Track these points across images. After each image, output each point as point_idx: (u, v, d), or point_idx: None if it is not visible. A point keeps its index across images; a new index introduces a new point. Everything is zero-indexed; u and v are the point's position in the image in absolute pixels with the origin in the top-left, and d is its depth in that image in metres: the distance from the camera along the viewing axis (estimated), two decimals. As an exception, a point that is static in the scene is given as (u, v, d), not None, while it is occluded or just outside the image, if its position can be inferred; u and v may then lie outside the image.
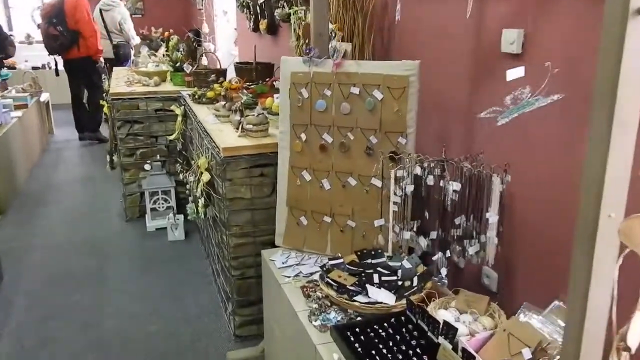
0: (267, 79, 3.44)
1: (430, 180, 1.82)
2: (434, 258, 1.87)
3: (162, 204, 4.00)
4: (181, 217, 3.90)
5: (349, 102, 2.12)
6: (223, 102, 2.96)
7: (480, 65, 1.93)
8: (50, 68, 9.28)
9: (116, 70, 5.37)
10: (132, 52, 7.50)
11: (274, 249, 2.31)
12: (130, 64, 7.78)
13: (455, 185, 1.75)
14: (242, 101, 2.97)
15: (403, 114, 2.04)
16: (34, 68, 8.80)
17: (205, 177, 2.57)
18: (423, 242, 1.87)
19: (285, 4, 4.31)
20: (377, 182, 2.11)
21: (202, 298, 3.11)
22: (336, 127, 2.16)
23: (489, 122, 1.87)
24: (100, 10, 6.96)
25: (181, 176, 3.85)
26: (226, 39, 7.77)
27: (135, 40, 7.22)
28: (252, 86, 3.43)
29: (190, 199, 3.31)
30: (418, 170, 1.84)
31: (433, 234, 1.86)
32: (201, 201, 2.64)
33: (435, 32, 2.17)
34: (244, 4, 5.52)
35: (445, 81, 2.13)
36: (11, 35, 7.36)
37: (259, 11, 5.08)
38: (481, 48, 1.91)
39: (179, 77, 4.22)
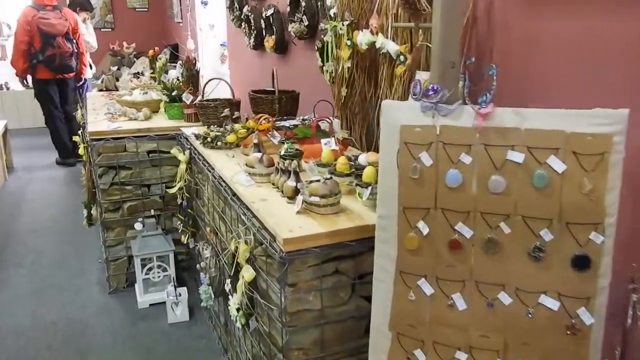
0: (305, 120, 2.63)
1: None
2: None
3: (158, 273, 3.10)
4: (184, 290, 3.02)
5: (503, 175, 1.32)
6: (256, 154, 2.12)
7: None
8: (8, 89, 8.25)
9: (90, 95, 4.44)
10: (87, 71, 6.57)
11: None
12: (88, 88, 6.86)
13: None
14: (282, 152, 2.14)
15: (599, 195, 1.25)
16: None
17: (249, 273, 1.72)
18: None
19: (304, 17, 3.51)
20: (552, 303, 1.31)
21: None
22: (479, 214, 1.36)
23: None
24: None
25: (183, 238, 2.98)
26: (211, 55, 6.92)
27: (93, 46, 6.87)
28: (284, 125, 2.60)
29: (205, 279, 2.44)
30: None
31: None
32: (240, 310, 1.78)
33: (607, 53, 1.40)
34: (242, 17, 4.69)
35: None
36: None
37: (263, 26, 4.26)
38: None
39: (176, 108, 3.35)
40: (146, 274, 3.09)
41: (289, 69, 4.15)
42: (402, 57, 2.25)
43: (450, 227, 1.38)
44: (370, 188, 1.71)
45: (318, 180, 1.74)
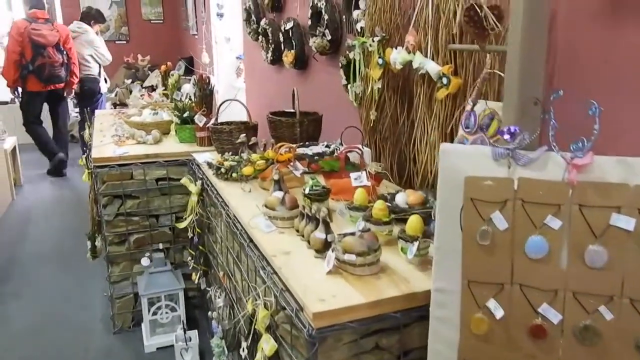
0: (330, 146, 2.33)
1: None
2: None
3: (167, 313, 2.81)
4: (194, 334, 2.72)
5: (604, 245, 1.01)
6: (276, 193, 1.82)
7: None
8: (16, 101, 8.10)
9: (99, 114, 4.18)
10: (102, 86, 6.47)
11: None
12: (102, 103, 6.66)
13: None
14: (307, 190, 1.85)
15: None
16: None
17: (269, 346, 1.42)
18: None
19: (326, 32, 3.22)
20: (671, 415, 0.99)
21: None
22: (571, 294, 1.04)
23: None
24: None
25: (194, 276, 2.69)
26: (227, 69, 6.67)
27: (108, 58, 6.68)
28: (307, 152, 2.31)
29: (218, 330, 2.15)
30: None
31: None
32: (259, 388, 1.48)
33: None
34: (260, 30, 4.43)
35: None
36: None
37: (282, 40, 3.99)
38: None
39: (187, 131, 3.08)
40: (154, 314, 2.80)
41: (308, 86, 3.86)
42: (444, 80, 1.95)
43: (531, 309, 1.07)
44: (417, 244, 1.41)
45: (353, 234, 1.44)
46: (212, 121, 2.78)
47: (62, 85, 6.01)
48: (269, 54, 4.34)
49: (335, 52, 3.35)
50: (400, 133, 2.49)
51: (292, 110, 2.92)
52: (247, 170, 2.15)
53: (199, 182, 2.51)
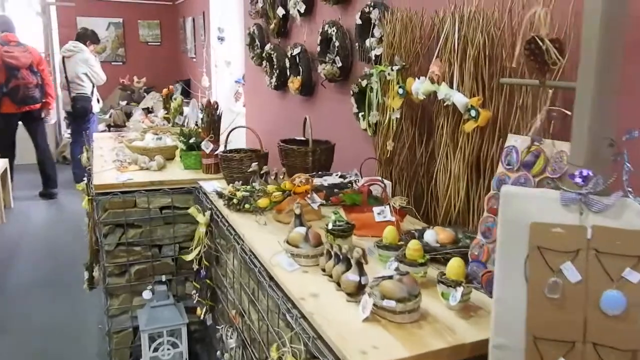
0: (345, 176, 2.24)
1: None
2: None
3: (168, 349, 2.67)
4: (197, 371, 2.57)
5: (691, 303, 0.91)
6: (299, 229, 1.72)
7: None
8: None
9: (98, 137, 4.06)
10: (94, 105, 6.40)
11: None
12: (94, 123, 6.55)
13: None
14: (329, 225, 1.75)
15: None
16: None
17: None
18: None
19: (337, 59, 3.16)
20: None
21: None
22: (653, 355, 0.95)
23: None
24: (63, 58, 6.28)
25: (199, 311, 2.56)
26: (225, 93, 6.61)
27: (102, 78, 6.58)
28: (322, 183, 2.21)
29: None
30: None
31: None
32: None
33: None
34: (264, 55, 4.37)
35: None
36: None
37: (288, 65, 3.92)
38: None
39: (193, 158, 2.97)
40: (154, 350, 2.65)
41: (315, 113, 3.79)
42: (472, 112, 1.88)
43: (607, 372, 0.97)
44: (460, 290, 1.31)
45: (390, 277, 1.33)
46: (221, 148, 2.68)
47: (38, 106, 6.03)
48: (273, 79, 4.27)
49: (345, 79, 3.29)
50: (417, 165, 2.41)
51: (303, 138, 2.84)
52: (263, 202, 2.04)
53: (207, 213, 2.39)
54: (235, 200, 2.20)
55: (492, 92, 1.90)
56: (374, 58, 2.80)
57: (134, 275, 2.76)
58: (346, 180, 2.37)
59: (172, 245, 2.80)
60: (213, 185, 2.63)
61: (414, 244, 1.49)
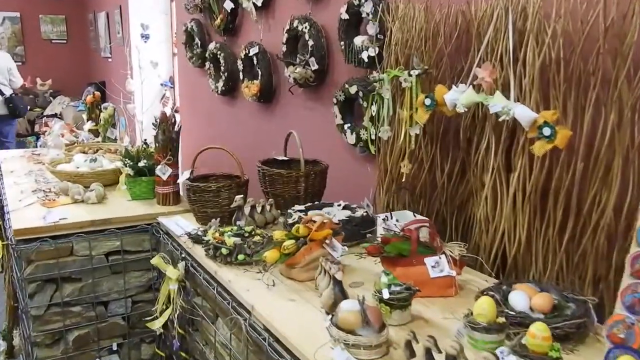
0: (355, 209, 1.75)
1: None
2: None
3: None
4: None
5: None
6: (348, 304, 1.21)
7: None
8: None
9: (6, 158, 3.25)
10: None
11: None
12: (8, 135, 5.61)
13: None
14: (383, 292, 1.26)
15: None
16: None
17: None
18: None
19: (311, 60, 2.67)
20: None
21: None
22: None
23: None
24: None
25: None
26: (151, 98, 5.86)
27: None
28: (334, 221, 1.71)
29: None
30: None
31: None
32: None
33: None
34: (208, 56, 3.77)
35: None
36: None
37: (241, 67, 3.36)
38: None
39: (144, 185, 2.35)
40: None
41: (278, 124, 3.27)
42: (546, 130, 1.46)
43: None
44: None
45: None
46: (185, 176, 2.09)
47: None
48: (220, 84, 3.69)
49: (320, 84, 2.80)
50: (440, 193, 1.97)
51: (283, 158, 2.32)
52: (271, 255, 1.50)
53: (181, 265, 1.81)
54: (224, 250, 1.64)
55: (578, 106, 1.49)
56: (366, 60, 2.34)
57: (72, 344, 2.10)
58: (358, 215, 1.88)
59: (123, 301, 2.17)
60: (178, 222, 2.05)
61: (539, 328, 1.04)
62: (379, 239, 1.52)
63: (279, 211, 2.07)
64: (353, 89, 2.42)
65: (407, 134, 1.92)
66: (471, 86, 1.66)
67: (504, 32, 1.61)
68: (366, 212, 1.93)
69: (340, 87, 2.52)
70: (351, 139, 2.51)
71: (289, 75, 2.87)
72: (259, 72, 3.20)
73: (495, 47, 1.65)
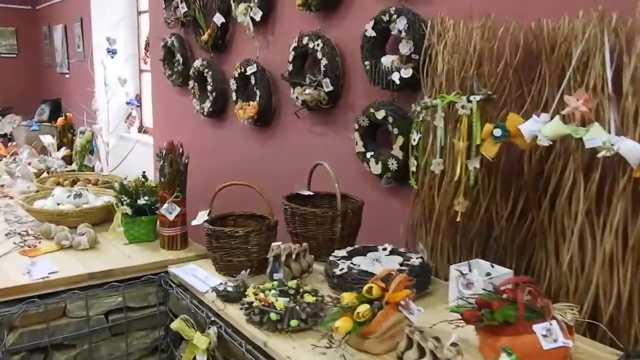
0: (426, 269, 1.48)
1: None
2: None
3: None
4: None
5: None
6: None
7: None
8: None
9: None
10: None
11: None
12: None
13: None
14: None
15: None
16: None
17: None
18: None
19: (325, 81, 2.41)
20: None
21: None
22: None
23: None
24: None
25: None
26: (117, 118, 5.43)
27: None
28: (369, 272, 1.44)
29: None
30: None
31: None
32: None
33: None
34: (192, 74, 3.45)
35: None
36: None
37: (234, 88, 3.06)
38: None
39: (143, 226, 2.01)
40: None
41: (273, 149, 2.98)
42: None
43: None
44: None
45: None
46: (202, 217, 1.76)
47: None
48: (207, 104, 3.37)
49: (333, 106, 2.54)
50: (501, 236, 1.74)
51: (309, 193, 2.03)
52: (344, 325, 1.21)
53: (212, 331, 1.48)
54: (273, 315, 1.34)
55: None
56: (397, 82, 2.10)
57: None
58: (415, 264, 1.62)
59: (126, 367, 1.82)
60: (195, 273, 1.73)
61: None
62: (471, 300, 1.26)
63: (312, 256, 1.78)
64: (380, 114, 2.18)
65: (464, 167, 1.69)
66: (557, 116, 1.44)
67: (596, 53, 1.41)
68: (422, 258, 1.67)
69: (363, 111, 2.27)
70: (376, 169, 2.25)
71: (297, 97, 2.60)
72: (257, 93, 2.91)
73: (581, 70, 1.45)
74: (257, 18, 2.87)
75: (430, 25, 1.88)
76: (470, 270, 1.43)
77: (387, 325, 1.26)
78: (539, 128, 1.46)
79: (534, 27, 1.61)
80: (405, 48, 2.06)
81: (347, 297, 1.28)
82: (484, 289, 1.32)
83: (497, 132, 1.56)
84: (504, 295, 1.23)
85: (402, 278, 1.29)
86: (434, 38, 1.86)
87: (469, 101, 1.65)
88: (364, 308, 1.24)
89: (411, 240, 2.01)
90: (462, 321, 1.23)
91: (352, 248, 1.77)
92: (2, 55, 7.25)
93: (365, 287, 1.29)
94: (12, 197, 2.58)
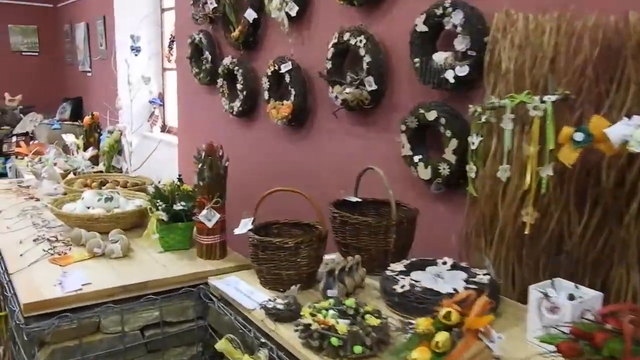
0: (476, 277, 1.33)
1: None
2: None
3: None
4: None
5: None
6: None
7: None
8: None
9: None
10: None
11: None
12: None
13: None
14: None
15: None
16: None
17: None
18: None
19: (369, 79, 2.26)
20: None
21: None
22: None
23: None
24: None
25: None
26: (140, 117, 5.33)
27: None
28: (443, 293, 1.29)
29: None
30: None
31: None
32: None
33: None
34: (221, 72, 3.32)
35: None
36: None
37: (267, 87, 2.93)
38: None
39: (179, 233, 1.88)
40: None
41: (308, 150, 2.84)
42: None
43: None
44: None
45: None
46: (246, 225, 1.63)
47: None
48: (237, 103, 3.24)
49: (375, 106, 2.39)
50: (570, 246, 1.58)
51: (356, 200, 1.88)
52: (422, 354, 1.07)
53: (263, 355, 1.34)
54: (334, 341, 1.20)
55: None
56: (452, 80, 1.95)
57: None
58: (484, 281, 1.46)
59: (162, 386, 1.69)
60: (238, 286, 1.59)
61: None
62: (563, 329, 1.10)
63: (364, 270, 1.63)
64: (431, 115, 2.02)
65: (534, 175, 1.53)
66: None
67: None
68: (489, 274, 1.51)
69: (412, 112, 2.11)
70: (424, 173, 2.10)
71: (336, 97, 2.45)
72: (292, 92, 2.77)
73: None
74: (293, 13, 2.73)
75: (495, 19, 1.72)
76: (555, 292, 1.28)
77: (469, 355, 1.11)
78: (631, 132, 1.30)
79: (617, 19, 1.45)
80: (461, 44, 1.91)
81: (423, 324, 1.13)
82: (582, 318, 1.16)
83: (579, 137, 1.40)
84: (608, 325, 1.07)
85: (484, 302, 1.13)
86: (497, 33, 1.70)
87: (543, 102, 1.49)
88: (443, 337, 1.09)
89: (465, 252, 1.85)
90: (556, 353, 1.07)
91: (408, 261, 1.62)
92: (23, 53, 7.20)
93: (442, 312, 1.14)
94: (38, 199, 2.47)
